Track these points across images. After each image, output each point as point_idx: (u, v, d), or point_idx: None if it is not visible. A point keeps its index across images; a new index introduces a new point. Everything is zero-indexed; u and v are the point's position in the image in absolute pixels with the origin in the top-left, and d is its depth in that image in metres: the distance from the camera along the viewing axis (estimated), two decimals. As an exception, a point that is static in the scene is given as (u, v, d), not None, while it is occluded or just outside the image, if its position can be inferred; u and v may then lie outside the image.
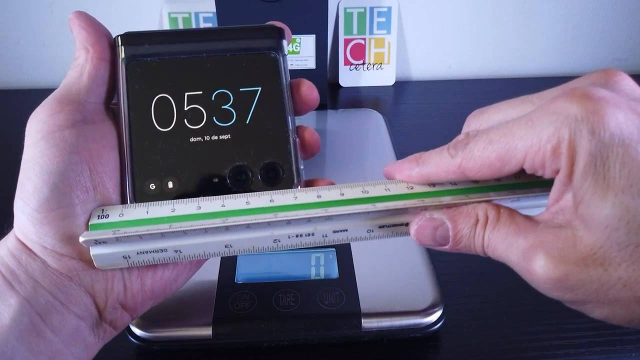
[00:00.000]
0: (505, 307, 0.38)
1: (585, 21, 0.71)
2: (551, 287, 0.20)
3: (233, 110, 0.27)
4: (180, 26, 0.65)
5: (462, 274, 0.40)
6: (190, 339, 0.34)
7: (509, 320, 0.37)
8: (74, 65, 0.26)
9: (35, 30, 0.67)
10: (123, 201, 0.26)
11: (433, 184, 0.25)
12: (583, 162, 0.19)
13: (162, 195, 0.26)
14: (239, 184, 0.26)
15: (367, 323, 0.34)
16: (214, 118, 0.27)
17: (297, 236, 0.25)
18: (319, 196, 0.25)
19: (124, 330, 0.34)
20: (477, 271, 0.41)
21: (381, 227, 0.25)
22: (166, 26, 0.65)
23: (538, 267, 0.20)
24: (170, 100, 0.26)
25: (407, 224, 0.25)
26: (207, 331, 0.34)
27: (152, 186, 0.26)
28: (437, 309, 0.35)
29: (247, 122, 0.27)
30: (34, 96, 0.71)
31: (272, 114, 0.27)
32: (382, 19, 0.68)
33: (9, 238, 0.24)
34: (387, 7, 0.67)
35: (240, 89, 0.27)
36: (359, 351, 0.35)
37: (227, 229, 0.24)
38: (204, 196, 0.25)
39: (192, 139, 0.26)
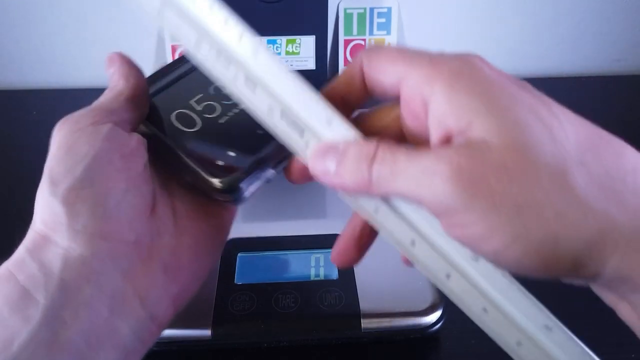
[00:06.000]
0: (505, 307, 0.38)
1: (585, 22, 0.71)
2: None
3: None
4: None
5: (462, 275, 0.40)
6: (190, 339, 0.34)
7: (509, 321, 0.37)
8: (111, 88, 0.26)
9: (35, 30, 0.67)
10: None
11: None
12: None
13: (232, 166, 0.26)
14: None
15: (367, 324, 0.34)
16: (224, 101, 0.29)
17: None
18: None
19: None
20: (476, 272, 0.41)
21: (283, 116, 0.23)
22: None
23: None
24: (185, 112, 0.29)
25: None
26: (207, 332, 0.34)
27: (221, 162, 0.27)
28: (437, 309, 0.35)
29: None
30: (34, 96, 0.71)
31: None
32: (382, 20, 0.68)
33: (27, 239, 0.23)
34: (387, 7, 0.67)
35: None
36: (359, 352, 0.35)
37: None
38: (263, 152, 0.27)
39: (220, 121, 0.28)
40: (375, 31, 0.69)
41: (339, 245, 0.26)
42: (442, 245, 0.21)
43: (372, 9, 0.68)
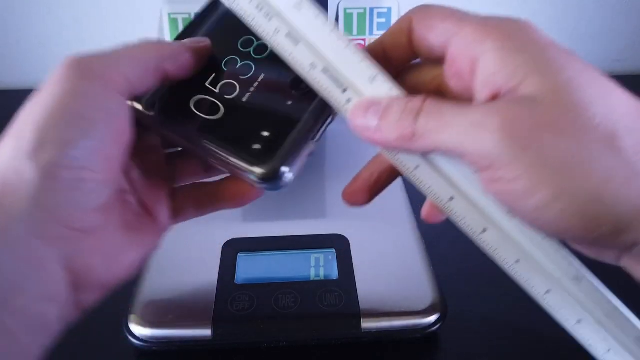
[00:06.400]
0: (506, 307, 0.38)
1: (584, 22, 0.71)
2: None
3: (250, 63, 0.27)
4: (180, 27, 0.65)
5: (462, 274, 0.40)
6: (190, 339, 0.34)
7: (510, 320, 0.37)
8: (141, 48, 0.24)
9: (35, 30, 0.67)
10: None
11: None
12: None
13: (270, 148, 0.24)
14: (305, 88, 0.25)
15: (367, 324, 0.34)
16: (240, 77, 0.26)
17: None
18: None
19: (124, 330, 0.34)
20: (477, 271, 0.41)
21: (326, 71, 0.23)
22: (166, 27, 0.65)
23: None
24: (204, 98, 0.26)
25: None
26: (207, 331, 0.34)
27: (257, 146, 0.24)
28: (437, 309, 0.35)
29: (267, 55, 0.27)
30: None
31: None
32: (382, 20, 0.68)
33: None
34: (387, 7, 0.67)
35: (240, 49, 0.27)
36: (359, 352, 0.35)
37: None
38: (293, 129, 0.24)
39: (243, 99, 0.26)
40: (375, 31, 0.69)
41: (352, 186, 0.26)
42: (481, 201, 0.22)
43: (372, 9, 0.68)
